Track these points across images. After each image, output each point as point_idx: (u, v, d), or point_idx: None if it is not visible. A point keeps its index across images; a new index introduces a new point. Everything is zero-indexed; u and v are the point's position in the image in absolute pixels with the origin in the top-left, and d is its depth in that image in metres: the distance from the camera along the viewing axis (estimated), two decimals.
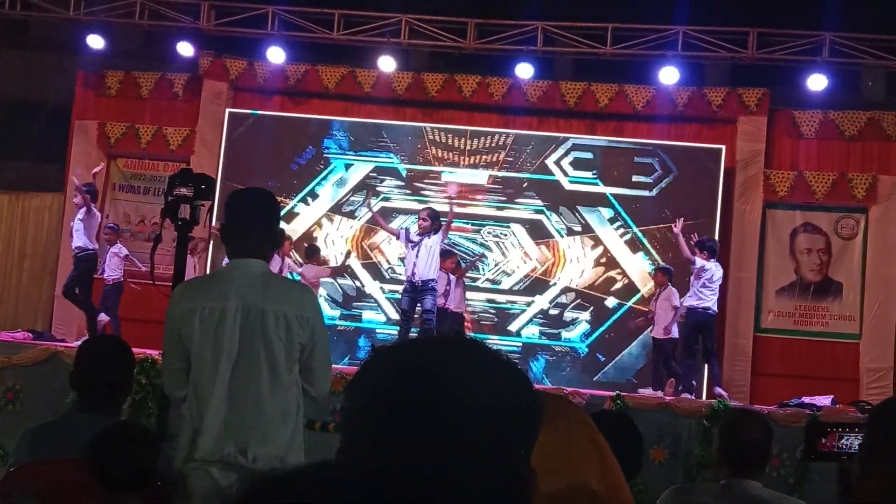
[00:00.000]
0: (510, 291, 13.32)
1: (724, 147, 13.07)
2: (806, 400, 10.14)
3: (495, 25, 13.37)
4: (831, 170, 12.99)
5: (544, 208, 13.33)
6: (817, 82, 12.76)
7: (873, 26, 12.60)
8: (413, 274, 10.69)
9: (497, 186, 13.44)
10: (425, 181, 13.53)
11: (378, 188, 13.47)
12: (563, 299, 13.24)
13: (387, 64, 13.40)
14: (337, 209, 13.62)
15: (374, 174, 13.58)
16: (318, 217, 13.65)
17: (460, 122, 13.64)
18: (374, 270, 13.49)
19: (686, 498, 3.87)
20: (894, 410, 2.28)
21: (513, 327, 13.23)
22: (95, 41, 13.57)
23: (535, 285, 13.28)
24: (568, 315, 13.19)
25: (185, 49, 13.64)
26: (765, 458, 3.86)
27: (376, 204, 12.81)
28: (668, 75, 12.88)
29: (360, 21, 13.51)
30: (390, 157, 13.57)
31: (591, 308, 13.15)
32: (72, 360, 4.18)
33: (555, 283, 13.22)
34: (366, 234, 13.57)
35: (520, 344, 13.14)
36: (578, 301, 13.19)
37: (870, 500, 2.20)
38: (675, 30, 12.86)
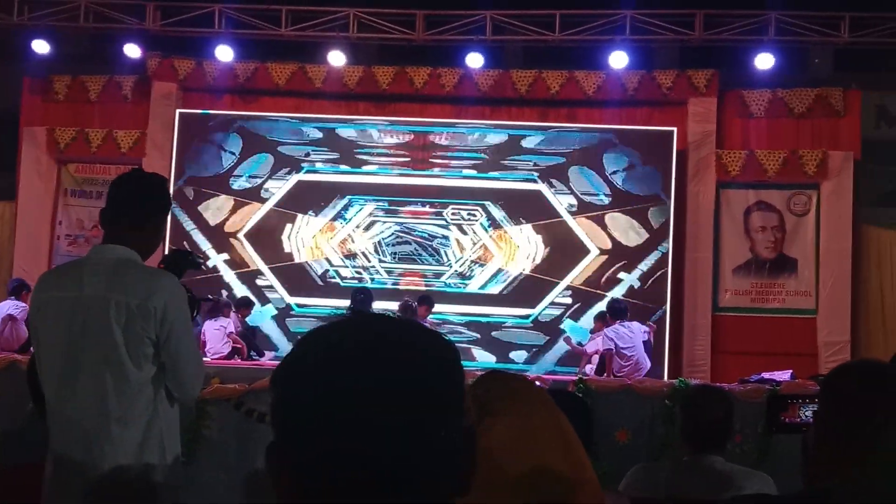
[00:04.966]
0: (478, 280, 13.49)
1: (675, 129, 13.17)
2: (766, 376, 10.21)
3: (444, 16, 13.38)
4: (782, 147, 13.12)
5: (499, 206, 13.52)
6: (765, 61, 12.88)
7: (819, 4, 12.75)
8: None
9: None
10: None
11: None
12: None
13: (337, 59, 13.37)
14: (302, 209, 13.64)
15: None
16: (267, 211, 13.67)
17: (412, 114, 13.64)
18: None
19: (650, 475, 3.90)
20: (846, 377, 2.31)
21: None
22: (41, 46, 13.42)
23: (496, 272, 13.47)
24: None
25: (132, 51, 13.51)
26: (727, 433, 3.90)
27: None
28: (618, 60, 12.96)
29: (308, 16, 13.46)
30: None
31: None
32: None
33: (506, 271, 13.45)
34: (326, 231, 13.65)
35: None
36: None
37: (826, 469, 2.24)
38: (622, 14, 12.95)
